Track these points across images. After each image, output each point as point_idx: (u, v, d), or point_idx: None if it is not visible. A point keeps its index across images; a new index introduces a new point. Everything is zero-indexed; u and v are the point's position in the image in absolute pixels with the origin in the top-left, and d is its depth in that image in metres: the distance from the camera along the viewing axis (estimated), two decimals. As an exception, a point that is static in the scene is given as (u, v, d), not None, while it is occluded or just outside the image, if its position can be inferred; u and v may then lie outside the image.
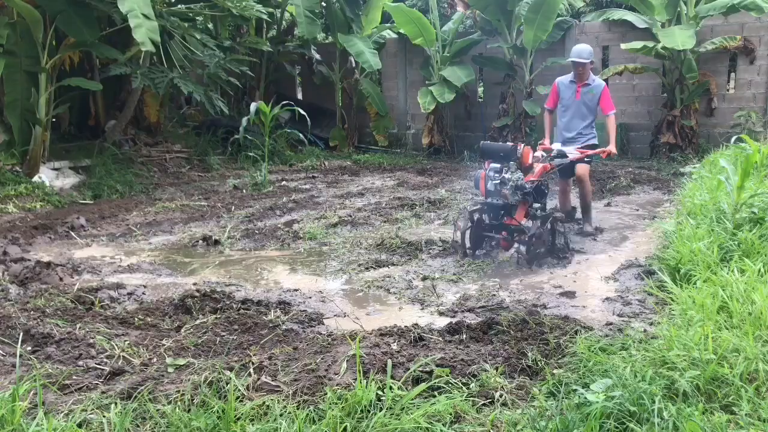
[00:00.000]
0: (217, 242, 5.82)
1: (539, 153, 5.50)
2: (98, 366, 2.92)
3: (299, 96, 14.40)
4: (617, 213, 6.96)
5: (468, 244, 5.04)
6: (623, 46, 10.25)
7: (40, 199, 7.32)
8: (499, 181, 4.92)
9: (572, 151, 5.71)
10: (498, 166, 5.03)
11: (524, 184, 4.91)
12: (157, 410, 2.39)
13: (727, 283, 3.31)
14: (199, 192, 8.42)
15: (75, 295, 4.00)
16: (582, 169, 5.78)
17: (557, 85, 6.09)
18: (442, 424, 2.30)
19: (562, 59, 11.28)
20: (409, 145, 12.67)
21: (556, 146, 5.69)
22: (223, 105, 9.75)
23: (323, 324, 3.70)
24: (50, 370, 2.82)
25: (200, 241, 5.83)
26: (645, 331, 3.12)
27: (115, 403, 2.43)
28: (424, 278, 4.61)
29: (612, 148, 5.77)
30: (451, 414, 2.37)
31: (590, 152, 5.82)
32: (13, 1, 7.37)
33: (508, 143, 5.31)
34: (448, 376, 2.66)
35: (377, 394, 2.42)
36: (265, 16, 10.39)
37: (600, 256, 5.17)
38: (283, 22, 12.90)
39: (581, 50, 5.86)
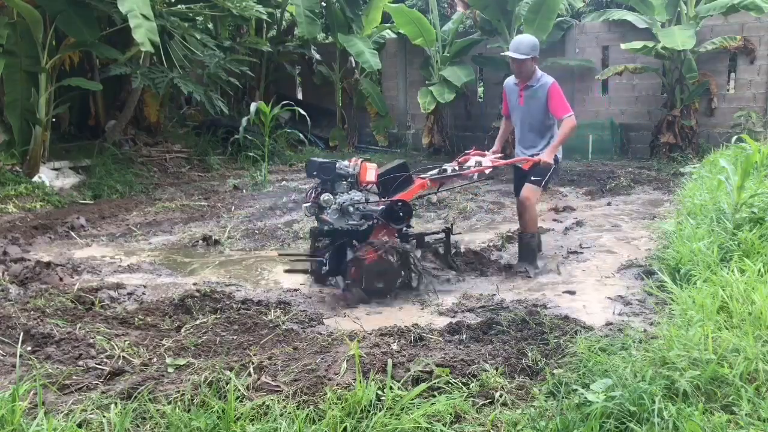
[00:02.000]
0: (217, 242, 5.82)
1: (450, 166, 4.70)
2: (98, 366, 2.92)
3: (299, 96, 14.40)
4: (617, 213, 6.96)
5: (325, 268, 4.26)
6: (623, 46, 10.25)
7: (40, 199, 7.32)
8: (309, 204, 4.24)
9: (486, 162, 4.69)
10: (322, 184, 4.31)
11: (360, 206, 4.10)
12: (157, 410, 2.39)
13: (727, 283, 3.31)
14: (199, 192, 8.42)
15: (75, 295, 4.00)
16: (526, 190, 4.71)
17: (504, 88, 5.07)
18: (442, 424, 2.30)
19: (562, 59, 11.29)
20: (409, 145, 12.68)
21: (475, 160, 4.70)
22: (223, 105, 9.75)
23: (323, 324, 3.70)
24: (50, 370, 2.81)
25: (200, 241, 5.83)
26: (645, 331, 3.12)
27: (115, 403, 2.43)
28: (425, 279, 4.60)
29: (544, 155, 4.61)
30: (451, 414, 2.37)
31: (502, 162, 4.79)
32: (13, 1, 7.36)
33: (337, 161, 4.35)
34: (448, 376, 2.66)
35: (377, 394, 2.42)
36: (264, 17, 10.39)
37: (600, 256, 5.17)
38: (283, 22, 12.91)
39: (518, 42, 4.72)
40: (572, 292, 4.22)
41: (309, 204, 4.27)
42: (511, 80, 4.99)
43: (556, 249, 5.43)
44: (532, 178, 4.71)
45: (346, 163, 4.33)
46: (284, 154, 11.43)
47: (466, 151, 4.98)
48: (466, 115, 12.45)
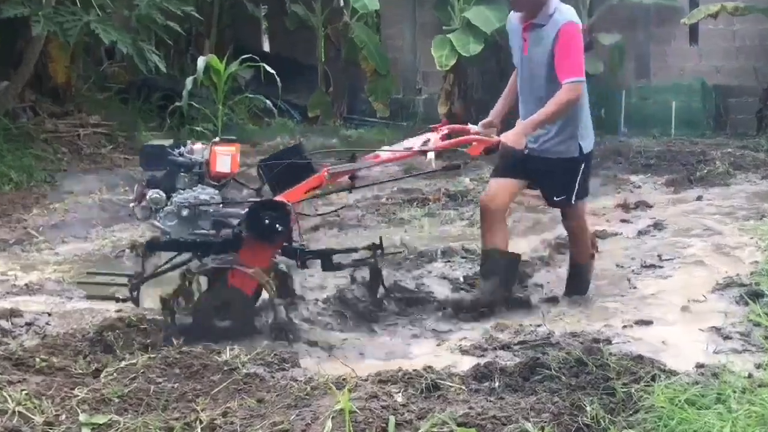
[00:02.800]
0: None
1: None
2: (-16, 425, 2.92)
3: (266, 47, 14.43)
4: (710, 211, 6.97)
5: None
6: (719, -23, 10.25)
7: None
8: (141, 205, 4.11)
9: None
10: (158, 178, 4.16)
11: (210, 208, 4.04)
12: (67, 487, 2.38)
13: None
14: (126, 181, 8.41)
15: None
16: (572, 213, 4.68)
17: (508, 30, 4.80)
18: (467, 508, 2.30)
19: (634, -5, 11.29)
20: (419, 116, 12.68)
21: (423, 139, 4.45)
22: (159, 60, 9.74)
23: (299, 366, 3.70)
24: None
25: (127, 251, 5.80)
26: (750, 376, 3.12)
27: (8, 478, 2.42)
28: (440, 305, 4.62)
29: (509, 134, 4.16)
30: (478, 493, 2.37)
31: (443, 145, 4.34)
32: None
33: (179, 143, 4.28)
34: (474, 439, 2.65)
35: (375, 465, 2.42)
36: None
37: (687, 272, 5.17)
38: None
39: None
40: (648, 322, 4.23)
41: (139, 205, 4.11)
42: (514, 15, 4.60)
43: (626, 261, 5.43)
44: (555, 199, 4.61)
45: (189, 147, 4.27)
46: (245, 128, 11.43)
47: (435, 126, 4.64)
48: (498, 74, 12.43)
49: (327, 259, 4.45)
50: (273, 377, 3.51)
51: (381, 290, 4.52)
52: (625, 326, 4.19)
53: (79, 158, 9.38)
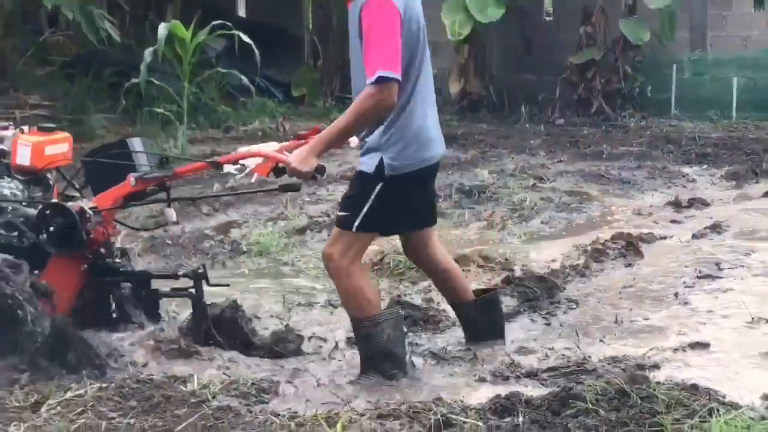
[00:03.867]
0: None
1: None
2: None
3: (241, 12, 14.44)
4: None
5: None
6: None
7: None
8: None
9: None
10: None
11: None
12: None
13: None
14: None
15: None
16: (329, 241, 4.22)
17: None
18: None
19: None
20: (427, 96, 12.70)
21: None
22: (112, 28, 9.76)
23: (280, 397, 3.71)
24: None
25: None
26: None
27: None
28: (439, 322, 4.63)
29: (294, 155, 3.78)
30: None
31: (227, 158, 4.13)
32: None
33: None
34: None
35: None
36: None
37: (753, 283, 5.18)
38: None
39: None
40: (704, 345, 4.23)
41: None
42: None
43: (678, 270, 5.44)
44: (338, 213, 4.11)
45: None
46: (216, 110, 11.45)
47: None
48: (524, 46, 12.50)
49: (141, 285, 4.44)
50: (250, 411, 3.52)
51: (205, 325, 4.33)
52: (676, 350, 4.19)
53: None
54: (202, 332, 4.28)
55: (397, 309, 4.35)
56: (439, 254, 4.28)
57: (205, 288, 4.28)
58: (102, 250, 4.26)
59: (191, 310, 4.34)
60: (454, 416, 3.26)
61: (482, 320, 4.34)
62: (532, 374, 3.90)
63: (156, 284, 4.50)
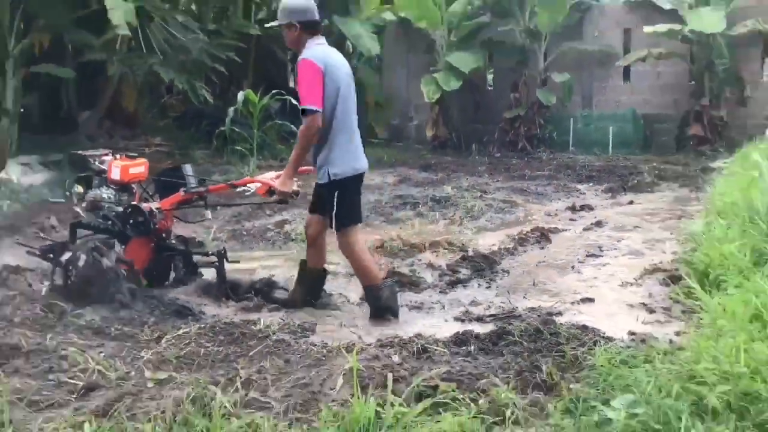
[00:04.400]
0: (201, 244, 5.81)
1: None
2: (71, 380, 2.91)
3: (291, 84, 14.40)
4: (640, 212, 6.96)
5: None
6: (646, 29, 10.26)
7: (6, 197, 7.31)
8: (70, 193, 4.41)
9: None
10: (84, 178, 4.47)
11: (106, 204, 4.25)
12: (136, 428, 2.39)
13: (761, 289, 3.30)
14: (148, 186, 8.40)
15: (46, 302, 3.99)
16: (340, 240, 4.02)
17: None
18: (448, 444, 2.30)
19: (580, 44, 11.30)
20: (411, 138, 12.68)
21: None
22: (208, 94, 9.76)
23: (317, 334, 3.70)
24: (18, 385, 2.81)
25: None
26: (671, 341, 3.12)
27: (90, 421, 2.43)
28: (421, 285, 4.61)
29: (279, 180, 3.88)
30: (458, 433, 2.37)
31: (219, 187, 4.34)
32: (-23, -19, 7.37)
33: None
34: (454, 391, 2.65)
35: (377, 411, 2.42)
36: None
37: (622, 260, 5.17)
38: (274, 3, 12.91)
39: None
40: (591, 300, 4.22)
41: (71, 195, 4.39)
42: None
43: (574, 251, 5.43)
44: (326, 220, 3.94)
45: (102, 158, 4.37)
46: (275, 147, 11.41)
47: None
48: (474, 106, 12.45)
49: (188, 257, 4.48)
50: (297, 342, 3.51)
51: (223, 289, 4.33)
52: (572, 303, 4.18)
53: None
54: (223, 290, 4.29)
55: (393, 279, 4.29)
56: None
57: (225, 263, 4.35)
58: (163, 235, 4.31)
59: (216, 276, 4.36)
60: (428, 345, 3.26)
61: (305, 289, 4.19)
62: (479, 318, 3.90)
63: (196, 259, 4.56)
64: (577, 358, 3.01)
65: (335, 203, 3.80)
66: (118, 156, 4.41)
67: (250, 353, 3.27)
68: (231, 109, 9.61)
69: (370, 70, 12.63)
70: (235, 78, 12.39)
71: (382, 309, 3.98)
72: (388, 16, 12.70)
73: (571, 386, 2.68)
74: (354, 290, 4.55)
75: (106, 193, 4.28)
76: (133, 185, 4.46)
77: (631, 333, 3.48)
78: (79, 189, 4.29)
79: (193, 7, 11.87)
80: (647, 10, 11.02)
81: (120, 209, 4.22)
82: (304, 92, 3.69)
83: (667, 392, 2.39)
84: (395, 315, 3.98)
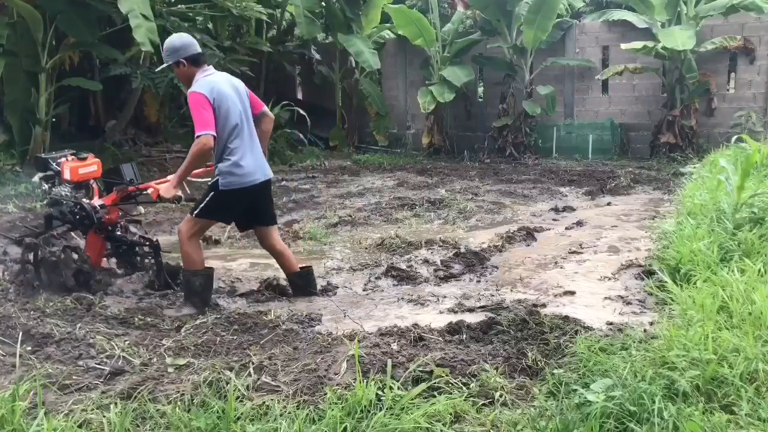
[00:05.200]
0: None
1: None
2: (98, 366, 2.92)
3: (299, 96, 14.40)
4: (617, 213, 6.96)
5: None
6: (623, 46, 10.27)
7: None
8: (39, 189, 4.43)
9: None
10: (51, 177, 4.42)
11: (64, 200, 4.20)
12: (157, 410, 2.39)
13: (727, 283, 3.31)
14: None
15: (75, 295, 3.99)
16: (184, 220, 4.06)
17: None
18: (442, 424, 2.30)
19: (562, 59, 11.30)
20: (409, 145, 12.67)
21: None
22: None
23: (323, 324, 3.70)
24: (50, 370, 2.82)
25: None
26: (645, 331, 3.12)
27: (115, 403, 2.43)
28: (416, 279, 4.60)
29: (163, 186, 3.94)
30: (451, 414, 2.37)
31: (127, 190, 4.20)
32: (13, 1, 7.37)
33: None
34: (447, 376, 2.66)
35: (377, 394, 2.42)
36: (264, 17, 10.39)
37: (600, 257, 5.17)
38: (283, 22, 12.91)
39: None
40: (572, 293, 4.22)
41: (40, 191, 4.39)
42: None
43: (557, 248, 5.43)
44: (193, 210, 3.96)
45: (59, 159, 4.35)
46: (284, 154, 11.42)
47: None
48: (466, 115, 12.44)
49: (132, 248, 4.45)
50: (304, 331, 3.52)
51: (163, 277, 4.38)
52: (556, 295, 4.18)
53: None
54: (162, 279, 4.33)
55: (211, 269, 4.08)
56: (277, 243, 4.19)
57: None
58: (109, 228, 4.31)
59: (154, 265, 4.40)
60: (424, 334, 3.26)
61: (301, 283, 4.24)
62: (471, 310, 3.90)
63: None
64: (560, 345, 3.02)
65: (210, 198, 3.87)
66: (71, 157, 4.37)
67: (262, 341, 3.27)
68: (244, 119, 9.60)
69: (372, 83, 12.62)
70: (248, 90, 12.38)
71: (192, 293, 3.91)
72: (387, 34, 12.71)
73: (555, 371, 2.69)
74: (358, 283, 4.55)
75: (63, 190, 4.24)
76: (92, 182, 4.44)
77: (609, 323, 3.48)
78: (45, 187, 4.32)
79: (210, 25, 11.84)
80: (624, 29, 11.03)
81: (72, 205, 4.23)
82: (196, 121, 3.73)
83: (642, 377, 2.39)
84: (206, 304, 3.91)
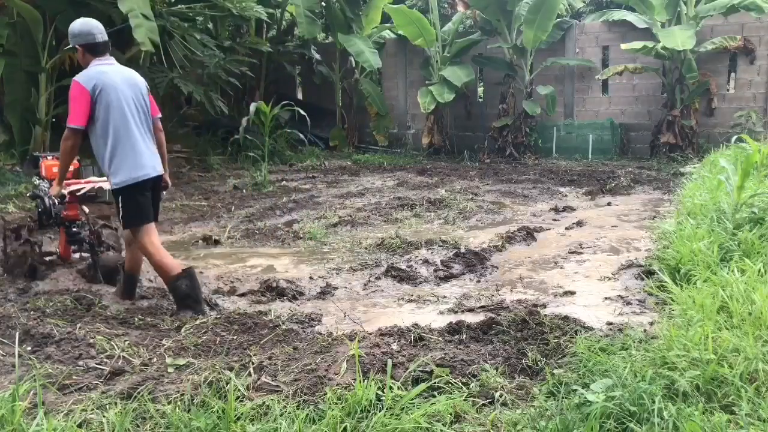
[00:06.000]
0: (217, 242, 5.82)
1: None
2: (98, 366, 2.91)
3: (299, 96, 14.41)
4: (617, 213, 6.96)
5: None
6: (623, 46, 10.27)
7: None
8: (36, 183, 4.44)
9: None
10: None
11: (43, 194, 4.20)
12: (157, 410, 2.39)
13: (727, 283, 3.31)
14: (199, 192, 8.42)
15: (75, 295, 3.99)
16: (132, 238, 3.95)
17: None
18: (442, 424, 2.30)
19: (562, 59, 11.30)
20: (409, 145, 12.68)
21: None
22: (223, 105, 9.74)
23: (323, 324, 3.70)
24: (50, 370, 2.81)
25: (200, 241, 5.83)
26: (645, 331, 3.12)
27: (115, 403, 2.43)
28: (416, 279, 4.60)
29: (53, 186, 4.02)
30: (451, 414, 2.37)
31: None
32: (13, 1, 7.37)
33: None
34: (448, 376, 2.65)
35: (377, 394, 2.42)
36: (264, 17, 10.39)
37: (600, 257, 5.17)
38: (283, 22, 12.91)
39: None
40: (572, 293, 4.22)
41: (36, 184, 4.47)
42: None
43: (557, 248, 5.43)
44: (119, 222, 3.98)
45: (44, 158, 4.48)
46: (284, 154, 11.42)
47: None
48: (466, 115, 12.45)
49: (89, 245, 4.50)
50: (304, 331, 3.52)
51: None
52: (556, 295, 4.18)
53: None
54: (97, 272, 4.41)
55: (190, 268, 3.89)
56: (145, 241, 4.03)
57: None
58: (66, 223, 4.40)
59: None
60: (424, 334, 3.25)
61: (124, 284, 4.11)
62: (470, 310, 3.89)
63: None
64: (560, 345, 3.01)
65: (121, 207, 3.79)
66: (49, 157, 4.46)
67: (262, 341, 3.27)
68: (244, 119, 9.59)
69: (372, 83, 12.62)
70: (248, 90, 12.38)
71: (183, 298, 3.81)
72: (388, 34, 12.71)
73: (555, 371, 2.68)
74: (358, 283, 4.55)
75: (44, 186, 4.30)
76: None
77: (609, 323, 3.48)
78: (36, 182, 4.45)
79: (210, 25, 11.85)
80: (624, 29, 11.03)
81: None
82: (70, 110, 3.65)
83: (642, 377, 2.39)
84: (197, 302, 3.80)
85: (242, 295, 4.29)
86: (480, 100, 12.88)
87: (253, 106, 9.32)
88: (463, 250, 5.21)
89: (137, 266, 4.09)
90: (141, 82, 3.95)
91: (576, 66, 11.31)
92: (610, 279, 4.50)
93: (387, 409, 2.34)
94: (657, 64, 10.62)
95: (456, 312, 3.86)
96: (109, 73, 3.75)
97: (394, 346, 3.03)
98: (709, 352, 2.53)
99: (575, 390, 2.38)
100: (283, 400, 2.47)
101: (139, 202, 3.81)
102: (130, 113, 3.78)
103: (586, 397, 2.25)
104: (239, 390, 2.52)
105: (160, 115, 4.14)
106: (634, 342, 2.84)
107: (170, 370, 2.85)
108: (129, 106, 3.78)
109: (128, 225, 3.84)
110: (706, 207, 4.92)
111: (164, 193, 4.25)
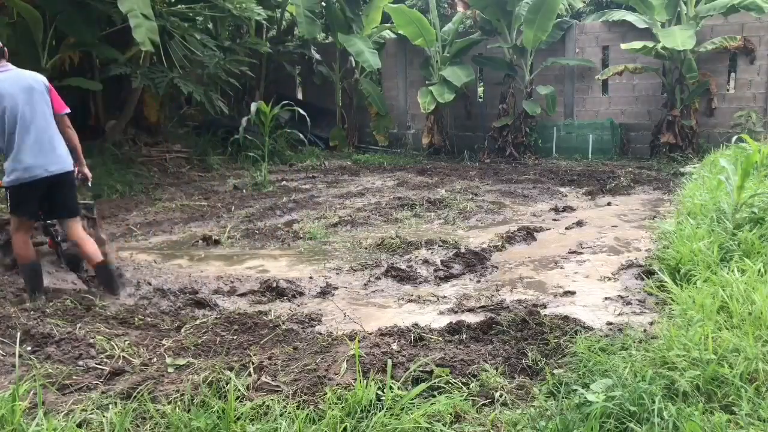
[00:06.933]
0: (217, 242, 5.82)
1: None
2: (98, 366, 2.92)
3: (299, 96, 14.40)
4: (617, 213, 6.96)
5: None
6: (623, 46, 10.27)
7: None
8: None
9: None
10: None
11: None
12: (157, 410, 2.39)
13: (727, 283, 3.31)
14: (199, 192, 8.42)
15: (75, 295, 3.99)
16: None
17: None
18: (442, 424, 2.30)
19: (562, 59, 11.30)
20: (409, 145, 12.67)
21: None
22: (223, 105, 9.73)
23: (323, 324, 3.70)
24: (50, 370, 2.81)
25: (200, 241, 5.83)
26: (645, 331, 3.12)
27: (115, 403, 2.43)
28: (416, 279, 4.60)
29: None
30: (451, 414, 2.37)
31: None
32: (13, 1, 7.37)
33: None
34: (448, 376, 2.65)
35: (377, 394, 2.42)
36: (263, 18, 10.39)
37: (600, 257, 5.17)
38: (283, 22, 12.91)
39: None
40: (572, 293, 4.22)
41: None
42: None
43: (557, 248, 5.43)
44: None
45: None
46: (284, 154, 11.42)
47: None
48: (466, 115, 12.45)
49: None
50: (304, 331, 3.52)
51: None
52: (555, 295, 4.18)
53: (166, 175, 9.38)
54: (64, 266, 4.49)
55: (36, 263, 4.10)
56: (74, 235, 4.18)
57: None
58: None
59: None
60: (424, 334, 3.26)
61: (101, 278, 4.21)
62: (470, 310, 3.90)
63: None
64: (560, 345, 3.01)
65: (8, 196, 4.04)
66: None
67: (262, 341, 3.27)
68: (244, 119, 9.59)
69: (372, 83, 12.62)
70: (247, 90, 12.38)
71: (26, 283, 4.04)
72: (388, 34, 12.71)
73: (555, 371, 2.68)
74: (358, 283, 4.55)
75: None
76: None
77: (609, 323, 3.48)
78: None
79: (210, 26, 11.84)
80: (624, 29, 11.03)
81: None
82: None
83: (642, 377, 2.39)
84: (35, 291, 3.98)
85: (242, 295, 4.29)
86: (480, 100, 12.88)
87: (253, 106, 9.32)
88: (463, 250, 5.21)
89: (93, 257, 4.15)
90: (39, 83, 4.03)
91: (576, 66, 11.31)
92: (610, 279, 4.50)
93: (387, 409, 2.34)
94: (657, 64, 10.62)
95: (456, 312, 3.86)
96: (3, 81, 3.88)
97: (394, 346, 3.03)
98: (709, 352, 2.53)
99: (575, 390, 2.38)
100: (283, 400, 2.47)
101: (20, 200, 4.00)
102: (24, 117, 3.89)
103: (586, 397, 2.25)
104: (239, 390, 2.52)
105: (66, 111, 4.17)
106: (634, 342, 2.84)
107: (170, 370, 2.85)
108: (23, 110, 3.89)
109: (10, 210, 4.08)
110: (706, 207, 4.92)
111: (89, 183, 4.41)
